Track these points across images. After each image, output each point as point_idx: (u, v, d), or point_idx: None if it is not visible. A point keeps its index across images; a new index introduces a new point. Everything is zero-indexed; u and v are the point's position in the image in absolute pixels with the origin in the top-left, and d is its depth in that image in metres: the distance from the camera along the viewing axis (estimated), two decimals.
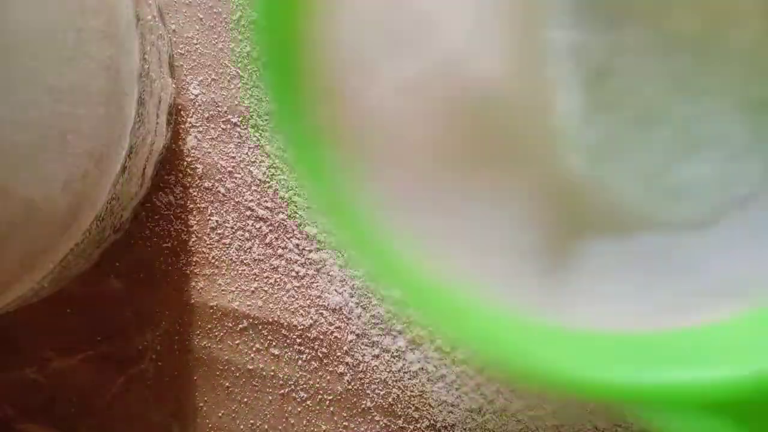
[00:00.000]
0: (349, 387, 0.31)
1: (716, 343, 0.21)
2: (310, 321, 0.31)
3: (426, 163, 0.24)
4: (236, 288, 0.32)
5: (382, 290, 0.22)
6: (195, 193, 0.32)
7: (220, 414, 0.32)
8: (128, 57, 0.25)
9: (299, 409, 0.31)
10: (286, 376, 0.31)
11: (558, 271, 0.24)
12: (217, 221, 0.32)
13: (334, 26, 0.22)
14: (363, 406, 0.31)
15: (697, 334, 0.22)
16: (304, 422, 0.31)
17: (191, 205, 0.32)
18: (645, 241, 0.24)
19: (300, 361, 0.31)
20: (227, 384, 0.32)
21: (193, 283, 0.32)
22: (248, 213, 0.31)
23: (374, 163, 0.23)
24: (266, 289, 0.31)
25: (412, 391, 0.31)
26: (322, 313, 0.31)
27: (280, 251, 0.31)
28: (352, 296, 0.31)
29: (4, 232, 0.23)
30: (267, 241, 0.31)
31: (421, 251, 0.22)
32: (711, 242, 0.24)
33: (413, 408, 0.31)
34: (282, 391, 0.31)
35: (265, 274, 0.31)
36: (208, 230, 0.32)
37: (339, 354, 0.31)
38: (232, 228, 0.31)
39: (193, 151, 0.32)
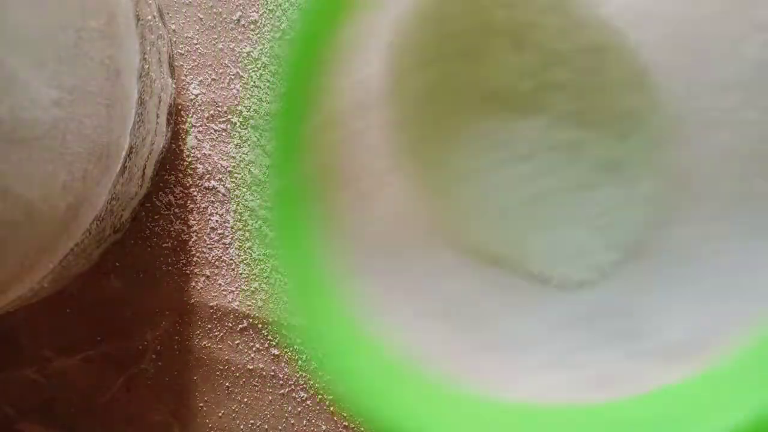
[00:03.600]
0: None
1: (665, 409, 0.21)
2: None
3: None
4: (236, 288, 0.32)
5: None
6: (195, 193, 0.32)
7: (220, 414, 0.32)
8: (128, 57, 0.25)
9: (299, 409, 0.31)
10: (286, 376, 0.31)
11: (495, 342, 0.24)
12: (217, 221, 0.32)
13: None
14: None
15: (644, 401, 0.21)
16: (304, 422, 0.31)
17: (191, 205, 0.32)
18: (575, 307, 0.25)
19: (300, 361, 0.31)
20: (227, 384, 0.32)
21: (193, 283, 0.32)
22: (248, 213, 0.31)
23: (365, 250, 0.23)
24: (266, 289, 0.31)
25: None
26: None
27: None
28: None
29: (4, 232, 0.23)
30: (267, 241, 0.31)
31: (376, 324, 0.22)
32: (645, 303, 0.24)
33: None
34: (282, 391, 0.31)
35: (265, 274, 0.31)
36: (208, 230, 0.32)
37: None
38: (232, 228, 0.31)
39: (193, 151, 0.32)
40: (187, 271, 0.32)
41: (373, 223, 0.24)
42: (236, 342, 0.32)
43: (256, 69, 0.31)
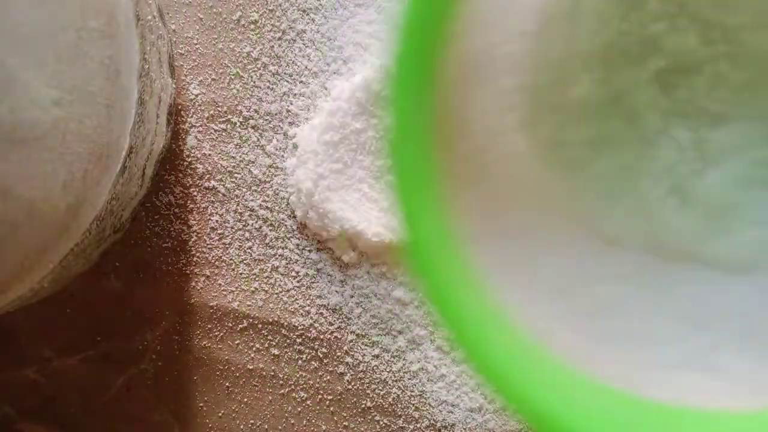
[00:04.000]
0: (349, 387, 0.31)
1: None
2: (310, 321, 0.31)
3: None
4: (236, 288, 0.32)
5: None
6: (195, 193, 0.32)
7: (220, 414, 0.32)
8: (128, 57, 0.25)
9: (299, 409, 0.31)
10: (286, 376, 0.31)
11: (621, 332, 0.22)
12: (217, 221, 0.32)
13: None
14: (363, 406, 0.31)
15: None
16: (304, 422, 0.31)
17: (191, 205, 0.32)
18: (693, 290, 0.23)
19: (300, 361, 0.31)
20: (227, 384, 0.32)
21: (193, 283, 0.32)
22: (248, 213, 0.31)
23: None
24: (266, 289, 0.31)
25: (412, 391, 0.31)
26: (322, 313, 0.31)
27: (280, 251, 0.31)
28: (352, 296, 0.31)
29: (4, 232, 0.23)
30: (267, 241, 0.31)
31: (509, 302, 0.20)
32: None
33: (413, 408, 0.31)
34: (282, 391, 0.31)
35: (265, 274, 0.31)
36: (208, 230, 0.32)
37: (339, 354, 0.31)
38: (232, 228, 0.32)
39: (193, 151, 0.32)
40: (187, 271, 0.32)
41: (493, 184, 0.23)
42: (236, 342, 0.32)
43: (256, 69, 0.31)
